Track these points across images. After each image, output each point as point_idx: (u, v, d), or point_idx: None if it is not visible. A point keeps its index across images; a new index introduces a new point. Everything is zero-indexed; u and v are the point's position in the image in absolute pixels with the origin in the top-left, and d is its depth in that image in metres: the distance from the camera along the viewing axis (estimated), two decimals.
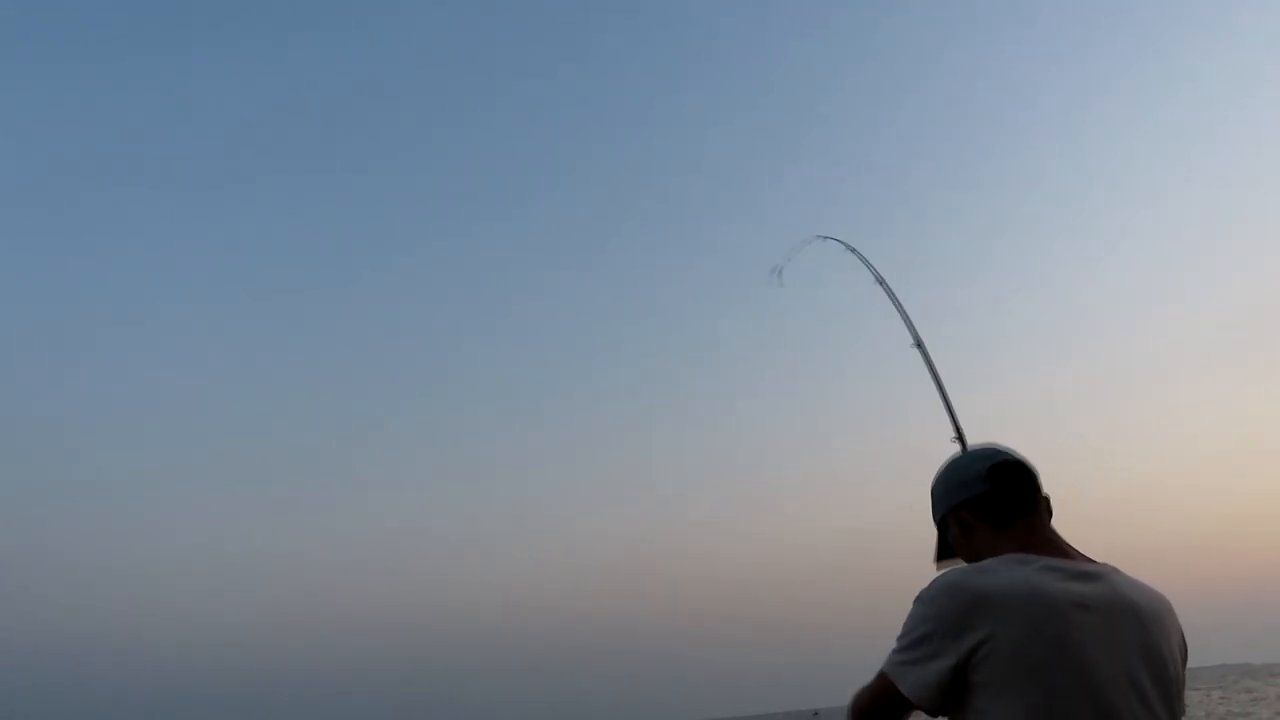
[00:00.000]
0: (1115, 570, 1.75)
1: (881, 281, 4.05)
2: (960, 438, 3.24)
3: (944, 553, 1.96)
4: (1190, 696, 1.84)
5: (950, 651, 1.62)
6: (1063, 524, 1.85)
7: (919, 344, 3.57)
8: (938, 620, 1.64)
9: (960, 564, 1.84)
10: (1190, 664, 1.77)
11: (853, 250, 4.37)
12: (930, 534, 1.96)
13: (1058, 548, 1.76)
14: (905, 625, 1.69)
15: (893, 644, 1.71)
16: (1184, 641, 1.75)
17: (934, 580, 1.69)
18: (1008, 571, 1.66)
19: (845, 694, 1.79)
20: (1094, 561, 1.76)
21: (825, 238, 4.70)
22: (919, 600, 1.69)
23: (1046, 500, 1.85)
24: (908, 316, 3.74)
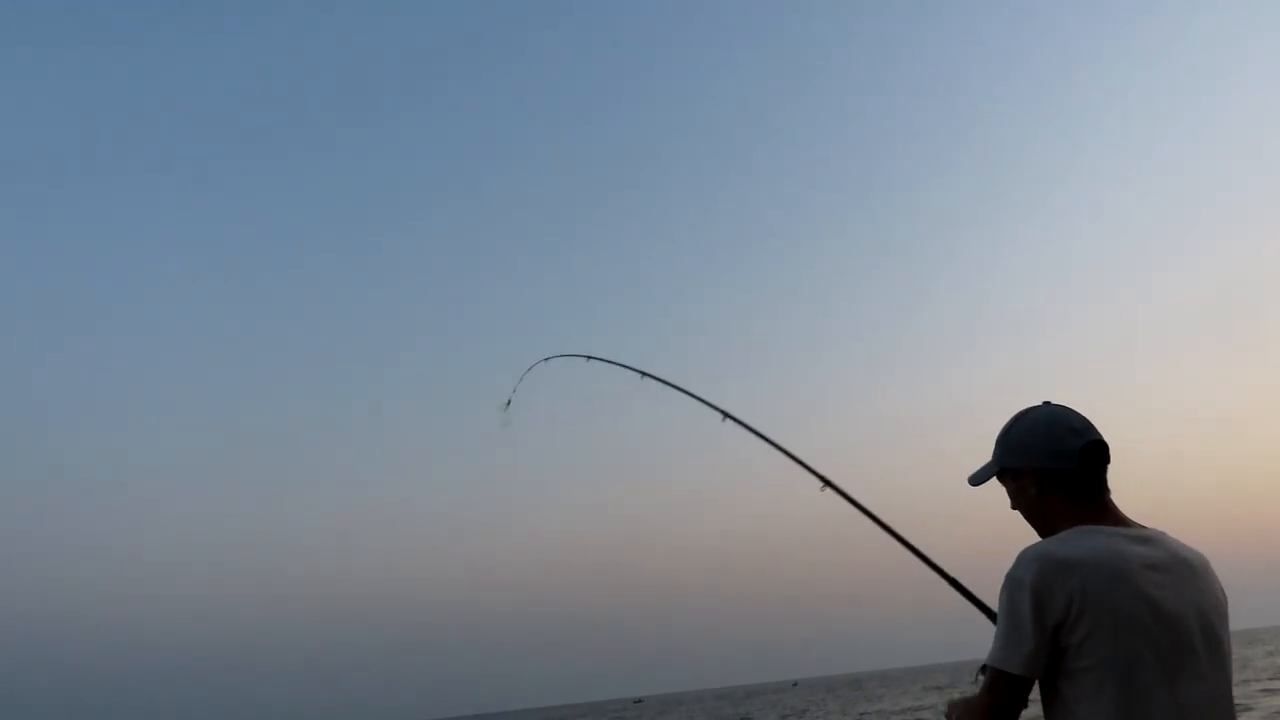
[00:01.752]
0: (1164, 533, 1.89)
1: (648, 374, 3.62)
2: (828, 483, 2.91)
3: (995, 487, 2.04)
4: None
5: (1048, 614, 1.73)
6: None
7: (727, 416, 3.17)
8: (1031, 589, 1.75)
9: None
10: None
11: (594, 359, 3.94)
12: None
13: (1117, 517, 1.89)
14: (1000, 612, 1.80)
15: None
16: (1223, 592, 1.89)
17: (1017, 560, 1.81)
18: (1083, 539, 1.80)
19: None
20: (1146, 527, 1.90)
21: (550, 358, 4.31)
22: (1007, 582, 1.80)
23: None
24: (700, 396, 3.32)
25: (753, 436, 3.09)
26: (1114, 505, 1.91)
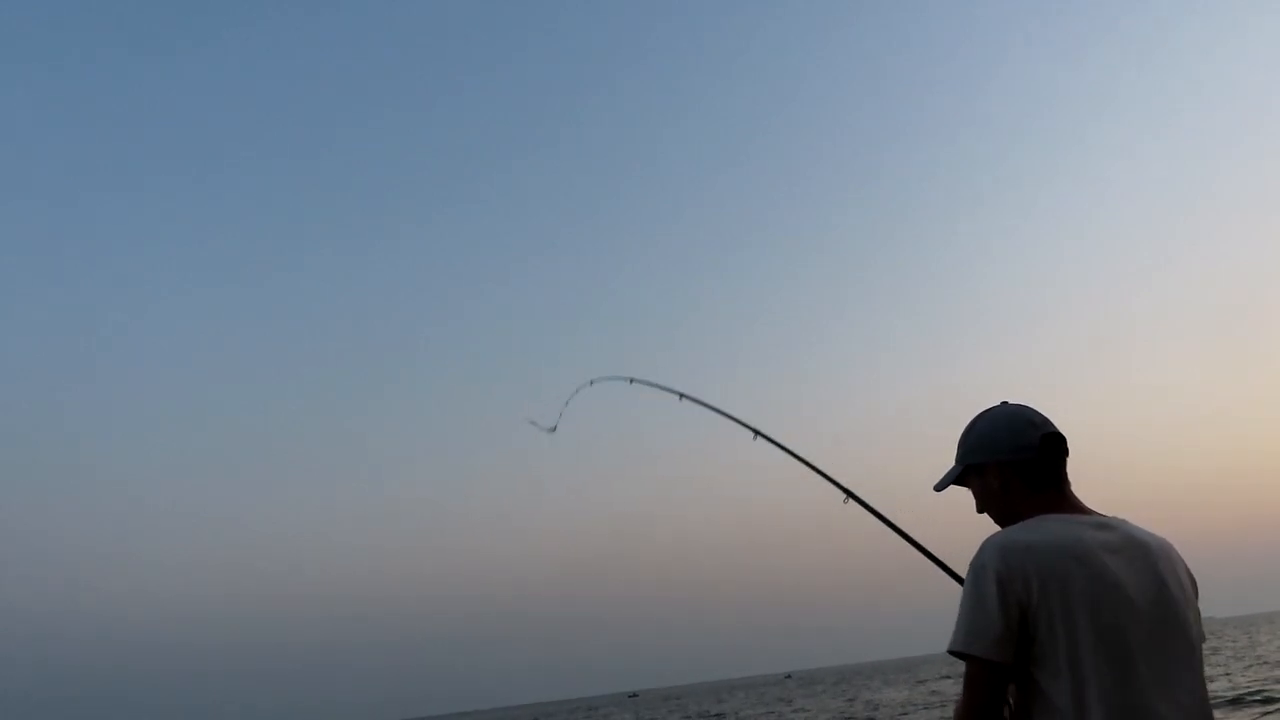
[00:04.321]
0: (1124, 520, 1.93)
1: (685, 396, 3.75)
2: (851, 495, 2.96)
3: (967, 493, 2.07)
4: None
5: (1012, 596, 1.77)
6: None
7: (758, 434, 3.25)
8: (995, 572, 1.79)
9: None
10: None
11: (636, 381, 4.15)
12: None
13: (1076, 506, 1.94)
14: (964, 597, 1.83)
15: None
16: (1192, 575, 1.95)
17: (980, 549, 1.85)
18: (1042, 526, 1.86)
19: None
20: (1106, 515, 1.93)
21: (595, 381, 4.50)
22: (971, 569, 1.84)
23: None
24: (733, 416, 3.43)
25: (780, 452, 3.16)
26: (1074, 495, 1.97)
